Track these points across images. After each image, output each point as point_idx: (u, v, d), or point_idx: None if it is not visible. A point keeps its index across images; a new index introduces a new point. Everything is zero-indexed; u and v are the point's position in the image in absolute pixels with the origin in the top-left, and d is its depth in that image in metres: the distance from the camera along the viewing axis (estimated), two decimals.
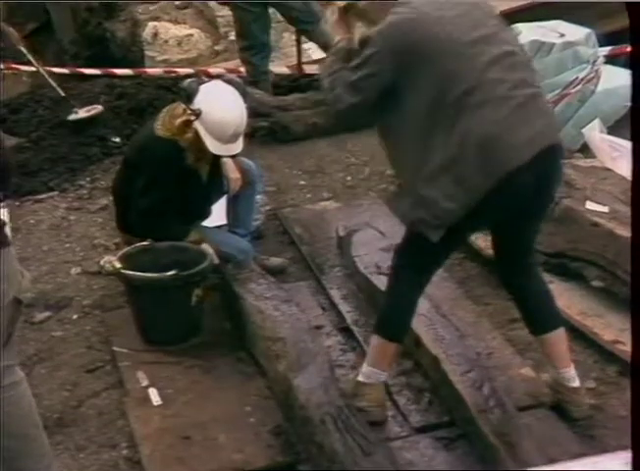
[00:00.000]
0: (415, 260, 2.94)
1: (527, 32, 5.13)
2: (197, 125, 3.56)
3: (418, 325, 3.30)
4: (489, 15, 2.89)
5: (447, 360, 3.08)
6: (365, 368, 3.04)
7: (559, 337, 2.99)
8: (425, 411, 3.03)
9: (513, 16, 6.03)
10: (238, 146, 3.64)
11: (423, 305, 3.43)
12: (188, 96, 3.61)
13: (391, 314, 3.05)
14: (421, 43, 2.72)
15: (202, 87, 3.63)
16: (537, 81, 2.88)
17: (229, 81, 3.73)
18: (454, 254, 4.04)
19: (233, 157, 3.79)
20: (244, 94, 3.70)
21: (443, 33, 2.73)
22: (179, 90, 3.77)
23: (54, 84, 5.64)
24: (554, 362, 3.01)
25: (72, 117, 5.50)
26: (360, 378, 3.05)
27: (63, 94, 5.63)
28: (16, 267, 2.59)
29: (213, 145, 3.56)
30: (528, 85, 2.78)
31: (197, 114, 3.55)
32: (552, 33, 5.19)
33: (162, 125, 3.68)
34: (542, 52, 5.11)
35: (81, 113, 5.51)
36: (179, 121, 3.62)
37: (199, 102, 3.57)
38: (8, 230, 2.66)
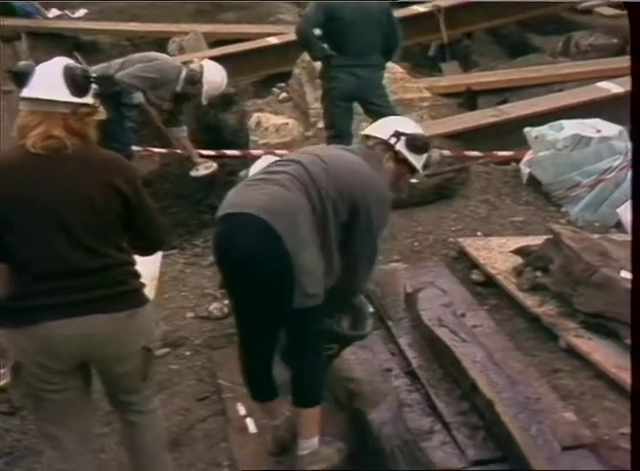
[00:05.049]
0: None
1: (569, 128, 5.09)
2: None
3: (474, 371, 3.22)
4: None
5: (499, 403, 2.97)
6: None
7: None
8: (480, 447, 2.91)
9: (564, 112, 6.03)
10: None
11: (478, 353, 3.36)
12: None
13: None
14: None
15: (255, 163, 3.81)
16: (286, 184, 2.78)
17: None
18: (506, 311, 4.00)
19: None
20: None
21: None
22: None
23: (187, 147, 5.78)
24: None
25: (193, 173, 5.69)
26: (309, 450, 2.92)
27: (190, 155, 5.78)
28: (149, 322, 2.63)
29: None
30: (272, 184, 2.77)
31: None
32: (590, 129, 5.14)
33: None
34: (582, 144, 5.06)
35: (202, 170, 5.70)
36: None
37: (253, 170, 3.66)
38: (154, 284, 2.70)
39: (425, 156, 3.12)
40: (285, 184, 2.74)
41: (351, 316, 3.14)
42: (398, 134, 2.99)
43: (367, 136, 3.07)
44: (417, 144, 3.04)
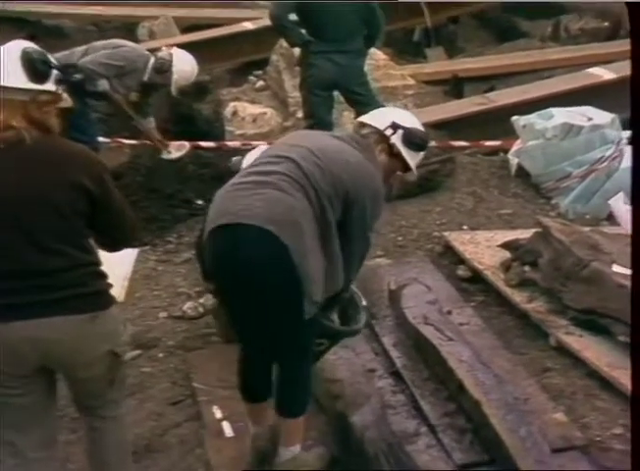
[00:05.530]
0: None
1: (559, 116, 5.12)
2: None
3: (461, 371, 3.23)
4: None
5: (487, 404, 2.99)
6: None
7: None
8: (467, 450, 2.92)
9: (554, 100, 6.08)
10: None
11: (465, 352, 3.38)
12: (235, 170, 3.64)
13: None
14: None
15: (247, 154, 3.70)
16: (284, 187, 2.67)
17: None
18: (493, 308, 4.02)
19: None
20: None
21: None
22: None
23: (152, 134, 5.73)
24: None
25: (166, 156, 5.67)
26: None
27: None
28: (114, 325, 2.59)
29: None
30: (268, 187, 2.67)
31: None
32: (581, 117, 5.18)
33: None
34: (572, 133, 5.10)
35: (174, 152, 5.67)
36: None
37: (247, 162, 3.56)
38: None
39: (422, 154, 3.05)
40: (283, 188, 2.65)
41: (344, 310, 3.11)
42: (395, 126, 2.92)
43: (362, 124, 3.00)
44: (414, 140, 2.95)
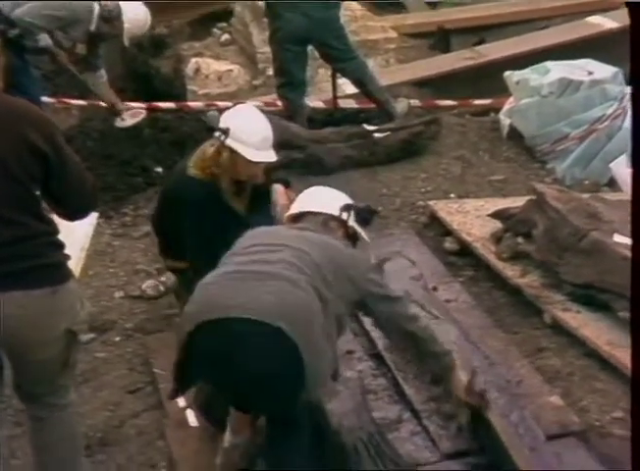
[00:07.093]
0: None
1: (556, 70, 5.12)
2: (229, 142, 3.47)
3: None
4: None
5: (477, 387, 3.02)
6: None
7: None
8: (455, 438, 2.95)
9: (550, 53, 6.08)
10: (271, 155, 3.54)
11: (452, 332, 3.41)
12: (211, 126, 3.66)
13: None
14: None
15: (225, 113, 3.67)
16: (295, 279, 2.65)
17: None
18: (483, 283, 4.05)
19: (269, 166, 3.66)
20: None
21: None
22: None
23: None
24: None
25: (119, 124, 5.59)
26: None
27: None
28: (73, 301, 2.58)
29: (248, 153, 3.46)
30: (276, 278, 2.64)
31: (225, 131, 3.53)
32: (580, 71, 5.19)
33: (194, 165, 3.58)
34: (570, 89, 5.11)
35: (129, 119, 5.60)
36: (210, 152, 3.53)
37: (224, 122, 3.58)
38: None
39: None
40: (292, 279, 2.65)
41: None
42: (347, 208, 3.10)
43: (307, 213, 3.07)
44: (366, 216, 3.25)
